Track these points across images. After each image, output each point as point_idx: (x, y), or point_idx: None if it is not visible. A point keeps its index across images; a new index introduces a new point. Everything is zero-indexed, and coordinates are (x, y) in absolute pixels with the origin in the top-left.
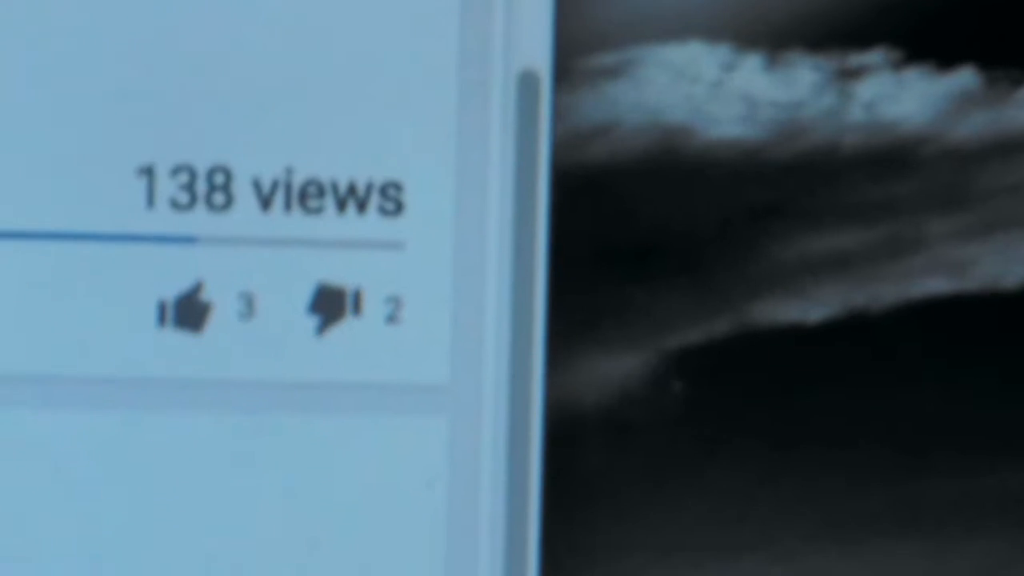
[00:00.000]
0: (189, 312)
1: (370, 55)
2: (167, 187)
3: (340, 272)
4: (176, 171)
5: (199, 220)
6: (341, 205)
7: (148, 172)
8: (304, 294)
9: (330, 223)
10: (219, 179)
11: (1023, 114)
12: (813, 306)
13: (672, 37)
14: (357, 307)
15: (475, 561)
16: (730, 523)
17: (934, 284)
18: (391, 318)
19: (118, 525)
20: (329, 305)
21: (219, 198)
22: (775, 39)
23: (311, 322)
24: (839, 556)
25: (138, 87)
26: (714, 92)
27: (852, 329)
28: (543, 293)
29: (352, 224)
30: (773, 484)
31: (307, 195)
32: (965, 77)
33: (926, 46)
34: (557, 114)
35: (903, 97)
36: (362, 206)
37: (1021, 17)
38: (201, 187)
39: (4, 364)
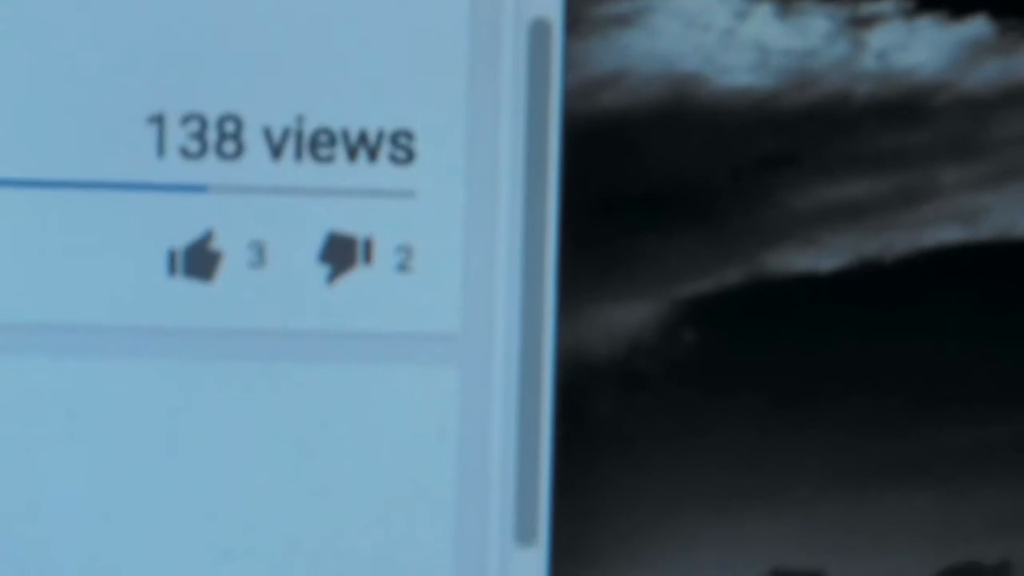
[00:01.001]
0: (199, 261)
1: (381, 3)
2: (177, 136)
3: (351, 221)
4: (186, 120)
5: (209, 169)
6: (352, 154)
7: (158, 121)
8: (315, 243)
9: (341, 172)
10: (230, 128)
11: None
12: (825, 255)
13: None
14: (368, 256)
15: (485, 509)
16: (741, 472)
17: (946, 233)
18: (402, 267)
19: (128, 472)
20: (340, 254)
21: (230, 147)
22: None
23: (322, 271)
24: (851, 504)
25: (149, 36)
26: (726, 40)
27: (864, 278)
28: (554, 242)
29: (363, 173)
30: (784, 433)
31: (318, 144)
32: (978, 25)
33: None
34: (568, 62)
35: (915, 46)
36: (373, 155)
37: None
38: (211, 136)
39: (14, 312)
